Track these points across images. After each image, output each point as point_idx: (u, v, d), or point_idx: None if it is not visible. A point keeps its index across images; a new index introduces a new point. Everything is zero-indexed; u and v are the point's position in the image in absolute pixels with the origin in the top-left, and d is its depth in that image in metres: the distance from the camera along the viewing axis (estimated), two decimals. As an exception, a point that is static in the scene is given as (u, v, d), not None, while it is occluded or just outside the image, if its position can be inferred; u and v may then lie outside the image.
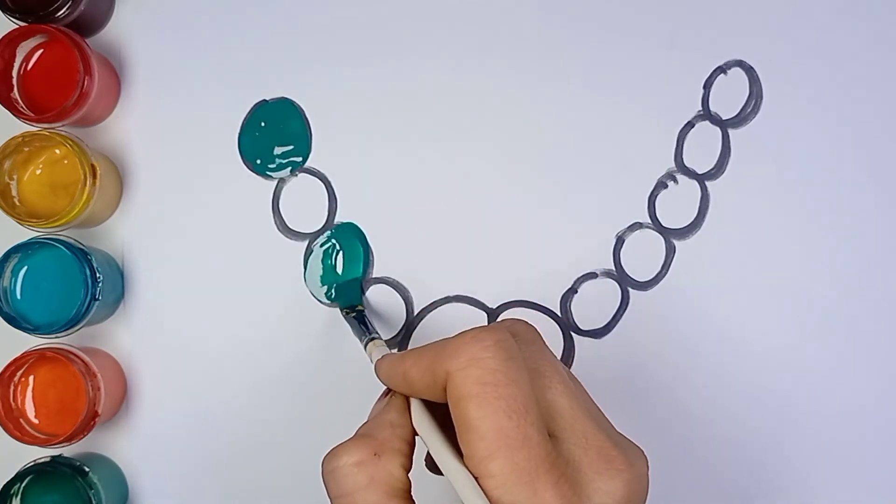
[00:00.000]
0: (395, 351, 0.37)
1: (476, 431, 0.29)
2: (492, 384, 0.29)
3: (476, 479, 0.29)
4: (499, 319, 0.46)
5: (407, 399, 0.33)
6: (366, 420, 0.34)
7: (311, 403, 0.47)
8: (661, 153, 0.47)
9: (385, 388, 0.34)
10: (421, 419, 0.33)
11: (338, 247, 0.47)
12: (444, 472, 0.31)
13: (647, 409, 0.46)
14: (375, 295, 0.47)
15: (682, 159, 0.47)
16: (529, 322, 0.34)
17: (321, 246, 0.47)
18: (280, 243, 0.47)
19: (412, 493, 0.31)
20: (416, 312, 0.47)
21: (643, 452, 0.33)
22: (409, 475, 0.32)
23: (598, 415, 0.33)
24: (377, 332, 0.42)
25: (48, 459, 0.43)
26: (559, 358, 0.46)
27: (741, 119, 0.46)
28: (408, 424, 0.33)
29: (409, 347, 0.46)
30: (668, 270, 0.46)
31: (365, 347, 0.41)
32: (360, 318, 0.44)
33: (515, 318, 0.33)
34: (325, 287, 0.47)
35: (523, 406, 0.29)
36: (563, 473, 0.29)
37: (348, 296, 0.46)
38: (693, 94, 0.47)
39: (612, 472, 0.30)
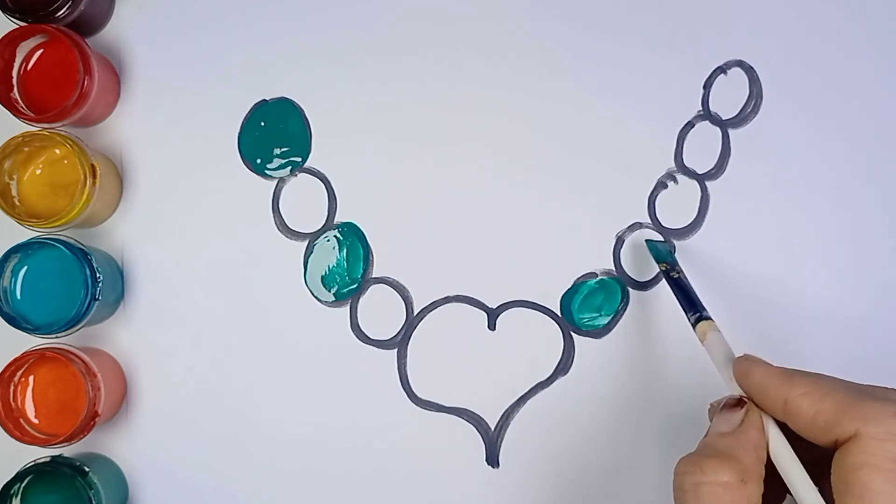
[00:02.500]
0: (749, 354, 0.35)
1: (871, 502, 0.29)
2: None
3: None
4: (499, 319, 0.46)
5: (760, 418, 0.33)
6: (713, 430, 0.34)
7: (311, 403, 0.47)
8: (661, 153, 0.47)
9: (734, 390, 0.34)
10: (784, 450, 0.32)
11: (345, 242, 0.47)
12: None
13: (647, 409, 0.46)
14: (375, 295, 0.47)
15: (682, 159, 0.47)
16: None
17: (328, 240, 0.47)
18: (280, 243, 0.47)
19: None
20: (416, 312, 0.47)
21: None
22: None
23: None
24: (706, 310, 0.39)
25: (48, 459, 0.43)
26: (559, 360, 0.46)
27: (741, 119, 0.46)
28: (765, 448, 0.33)
29: (408, 347, 0.46)
30: (668, 270, 0.46)
31: (693, 326, 0.39)
32: (679, 284, 0.41)
33: None
34: (332, 287, 0.47)
35: None
36: None
37: (662, 250, 0.44)
38: (693, 94, 0.47)
39: None
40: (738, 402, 0.34)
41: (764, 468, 0.32)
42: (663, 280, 0.46)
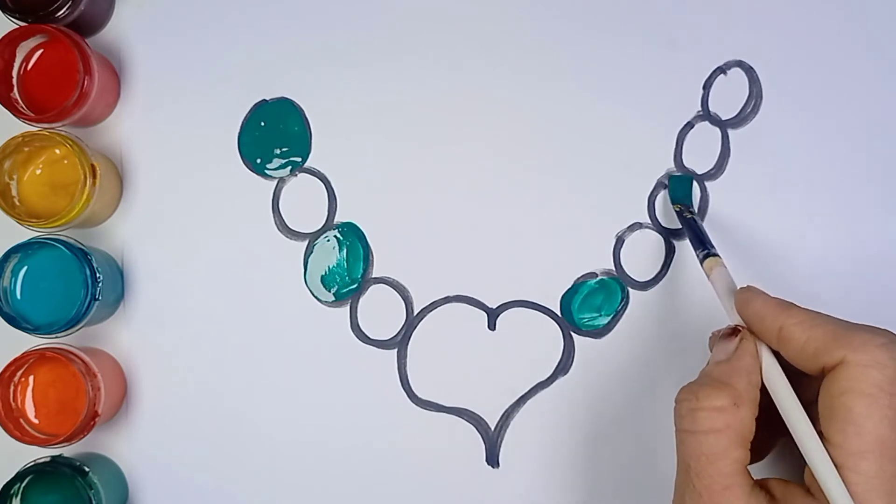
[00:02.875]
0: (751, 285, 0.37)
1: (855, 426, 0.31)
2: (887, 392, 0.31)
3: (836, 466, 0.31)
4: (499, 319, 0.46)
5: (755, 345, 0.35)
6: (712, 359, 0.36)
7: (311, 403, 0.47)
8: (661, 153, 0.47)
9: (734, 320, 0.36)
10: (775, 375, 0.34)
11: (345, 242, 0.47)
12: (796, 436, 0.33)
13: (647, 409, 0.46)
14: (375, 295, 0.47)
15: (681, 159, 0.47)
16: None
17: (328, 240, 0.47)
18: (280, 243, 0.47)
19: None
20: (416, 312, 0.47)
21: None
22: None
23: None
24: (714, 247, 0.41)
25: (48, 459, 0.43)
26: (559, 360, 0.46)
27: (741, 119, 0.46)
28: (758, 372, 0.35)
29: (408, 347, 0.46)
30: (668, 270, 0.46)
31: (701, 262, 0.41)
32: (691, 225, 0.43)
33: None
34: (332, 287, 0.47)
35: None
36: None
37: (681, 190, 0.45)
38: (693, 95, 0.47)
39: None
40: (734, 332, 0.36)
41: (758, 393, 0.34)
42: (663, 280, 0.46)
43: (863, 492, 0.31)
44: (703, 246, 0.42)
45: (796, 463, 0.34)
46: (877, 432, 0.31)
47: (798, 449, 0.33)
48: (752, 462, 0.34)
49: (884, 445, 0.31)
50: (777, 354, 0.35)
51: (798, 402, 0.33)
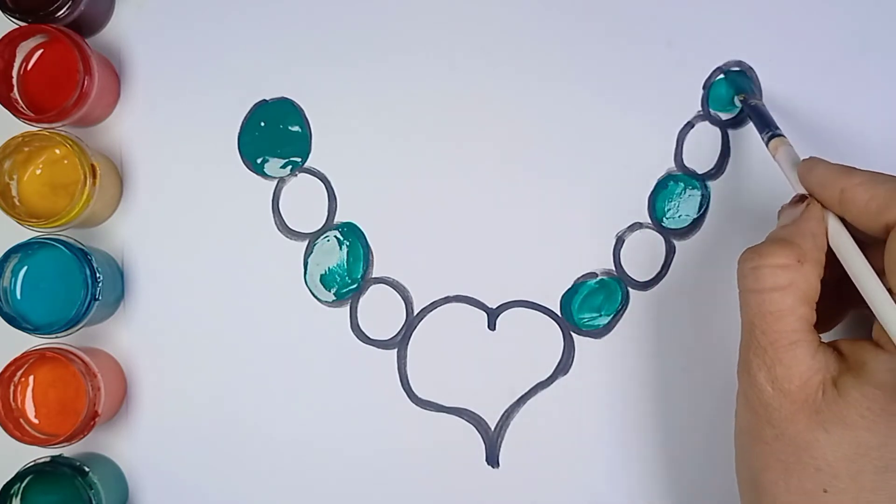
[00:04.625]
0: (814, 156, 0.38)
1: None
2: None
3: None
4: (499, 319, 0.46)
5: (820, 210, 0.35)
6: (780, 224, 0.36)
7: (311, 403, 0.47)
8: (661, 153, 0.47)
9: (800, 192, 0.37)
10: (842, 236, 0.34)
11: (345, 242, 0.47)
12: (863, 290, 0.33)
13: (647, 409, 0.46)
14: (375, 295, 0.47)
15: (681, 159, 0.47)
16: None
17: (328, 240, 0.47)
18: (280, 243, 0.47)
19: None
20: (415, 312, 0.47)
21: None
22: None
23: None
24: (779, 128, 0.42)
25: (48, 459, 0.43)
26: (559, 360, 0.46)
27: (741, 119, 0.46)
28: (824, 235, 0.35)
29: (408, 347, 0.46)
30: (668, 270, 0.46)
31: (767, 143, 0.41)
32: (757, 110, 0.44)
33: None
34: (332, 287, 0.47)
35: None
36: None
37: (742, 82, 0.46)
38: (693, 94, 0.47)
39: None
40: (801, 199, 0.37)
41: (823, 255, 0.34)
42: (663, 280, 0.46)
43: None
44: (769, 128, 0.42)
45: (865, 334, 0.34)
46: None
47: (866, 315, 0.33)
48: (820, 332, 0.35)
49: None
50: (844, 222, 0.35)
51: (864, 258, 0.33)
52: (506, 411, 0.46)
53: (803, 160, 0.38)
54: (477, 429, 0.46)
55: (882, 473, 0.32)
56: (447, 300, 0.47)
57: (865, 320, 0.34)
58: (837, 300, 0.36)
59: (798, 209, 0.36)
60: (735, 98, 0.46)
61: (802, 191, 0.37)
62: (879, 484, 0.33)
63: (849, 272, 0.34)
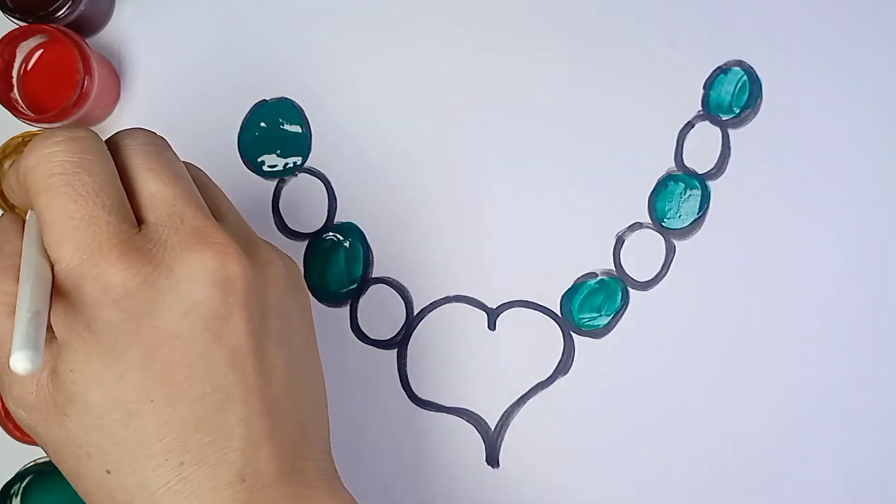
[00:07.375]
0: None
1: (46, 221, 0.30)
2: (59, 174, 0.30)
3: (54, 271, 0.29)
4: (499, 319, 0.46)
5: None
6: None
7: (311, 403, 0.47)
8: (661, 153, 0.47)
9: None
10: (30, 228, 0.32)
11: (345, 242, 0.47)
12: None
13: (646, 410, 0.46)
14: (375, 295, 0.47)
15: (682, 159, 0.47)
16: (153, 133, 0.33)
17: (328, 241, 0.47)
18: (280, 243, 0.47)
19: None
20: (415, 312, 0.47)
21: (288, 257, 0.35)
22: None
23: (224, 211, 0.34)
24: None
25: (48, 459, 0.43)
26: (559, 360, 0.46)
27: (741, 119, 0.46)
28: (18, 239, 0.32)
29: (408, 347, 0.46)
30: (668, 270, 0.46)
31: None
32: None
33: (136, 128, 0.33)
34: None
35: (93, 190, 0.29)
36: (135, 247, 0.29)
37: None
38: (693, 94, 0.47)
39: (204, 245, 0.30)
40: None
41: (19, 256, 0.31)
42: (663, 280, 0.46)
43: (68, 273, 0.29)
44: None
45: None
46: (62, 213, 0.29)
47: None
48: None
49: (72, 220, 0.29)
50: None
51: (34, 235, 0.31)
52: (506, 411, 0.46)
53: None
54: (477, 429, 0.46)
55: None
56: (447, 300, 0.47)
57: None
58: None
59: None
60: None
61: None
62: None
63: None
